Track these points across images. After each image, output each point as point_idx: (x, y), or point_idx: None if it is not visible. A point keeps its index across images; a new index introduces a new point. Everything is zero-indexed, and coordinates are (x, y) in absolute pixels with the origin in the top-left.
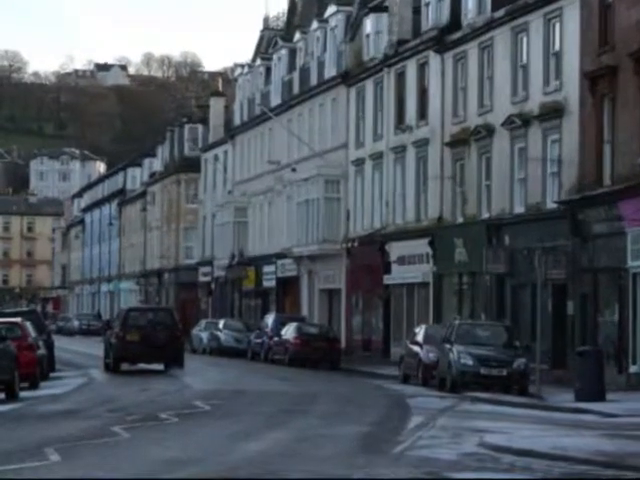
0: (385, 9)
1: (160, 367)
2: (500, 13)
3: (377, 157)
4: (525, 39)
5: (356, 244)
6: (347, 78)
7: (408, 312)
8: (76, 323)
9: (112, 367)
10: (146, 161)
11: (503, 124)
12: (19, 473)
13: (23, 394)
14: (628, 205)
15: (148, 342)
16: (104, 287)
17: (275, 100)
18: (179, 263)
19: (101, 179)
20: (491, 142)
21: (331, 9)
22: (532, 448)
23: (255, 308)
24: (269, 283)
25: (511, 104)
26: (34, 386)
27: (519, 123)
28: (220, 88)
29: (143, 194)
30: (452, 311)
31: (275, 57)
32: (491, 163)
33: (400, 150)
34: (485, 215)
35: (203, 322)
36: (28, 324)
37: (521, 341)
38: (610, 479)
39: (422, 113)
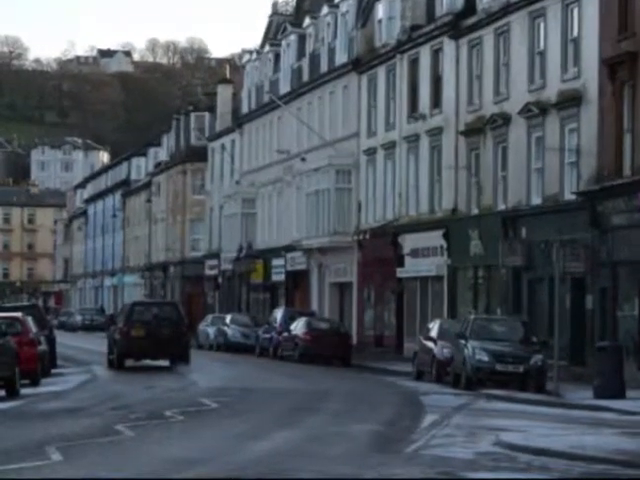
0: None
1: (165, 363)
2: None
3: (389, 146)
4: (542, 25)
5: (368, 236)
6: (358, 65)
7: (422, 306)
8: (79, 318)
9: (116, 363)
10: (151, 150)
11: (520, 112)
12: (20, 473)
13: (24, 391)
14: None
15: (153, 338)
16: (107, 281)
17: (284, 87)
18: (185, 256)
19: (104, 169)
20: (507, 131)
21: None
22: (549, 447)
23: (263, 302)
24: (278, 277)
25: (528, 92)
26: (35, 383)
27: (536, 111)
28: (227, 75)
29: (148, 185)
30: (467, 305)
31: (284, 43)
32: (507, 153)
33: (413, 139)
34: (501, 206)
35: (210, 317)
36: (29, 319)
37: (538, 337)
38: (631, 479)
39: (436, 101)
